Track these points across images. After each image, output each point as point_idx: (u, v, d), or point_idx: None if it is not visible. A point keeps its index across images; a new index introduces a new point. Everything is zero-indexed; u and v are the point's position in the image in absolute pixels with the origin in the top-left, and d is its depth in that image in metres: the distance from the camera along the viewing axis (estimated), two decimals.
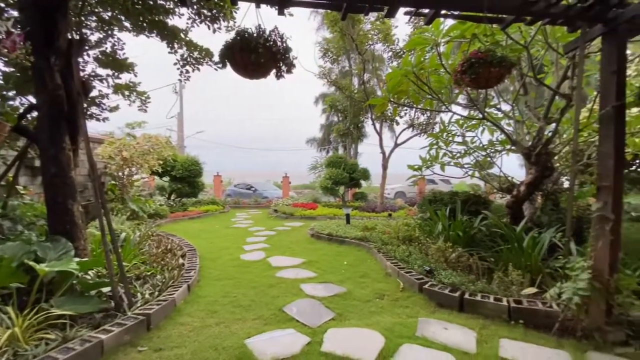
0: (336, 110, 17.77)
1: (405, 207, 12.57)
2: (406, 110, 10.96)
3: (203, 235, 8.14)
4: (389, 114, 11.35)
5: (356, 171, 13.60)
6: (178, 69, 5.91)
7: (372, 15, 10.58)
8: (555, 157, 4.80)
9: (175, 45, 5.74)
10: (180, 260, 5.12)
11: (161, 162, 10.07)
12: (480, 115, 4.98)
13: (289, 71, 2.35)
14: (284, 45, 2.29)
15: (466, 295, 3.52)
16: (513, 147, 4.99)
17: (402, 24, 25.77)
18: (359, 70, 12.67)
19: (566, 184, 5.74)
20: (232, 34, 2.28)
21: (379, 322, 3.25)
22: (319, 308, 3.66)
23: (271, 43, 2.19)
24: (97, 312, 3.06)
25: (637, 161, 5.80)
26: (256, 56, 2.11)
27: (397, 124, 12.57)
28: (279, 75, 2.39)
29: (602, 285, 2.86)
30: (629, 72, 5.25)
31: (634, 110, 5.12)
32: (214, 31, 5.38)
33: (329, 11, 10.20)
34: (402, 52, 10.59)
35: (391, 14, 2.87)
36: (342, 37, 11.61)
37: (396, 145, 12.59)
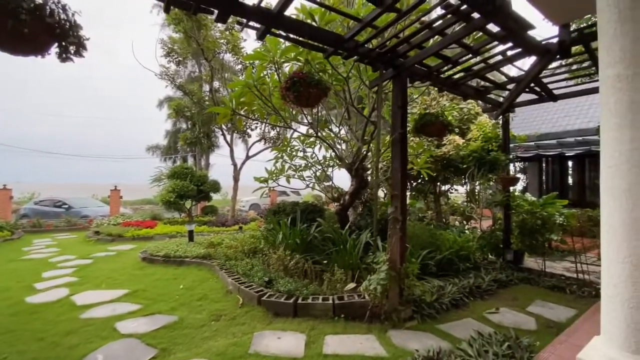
0: (184, 117, 16.26)
1: (257, 219, 12.63)
2: (257, 123, 11.15)
3: None
4: (238, 125, 11.23)
5: (206, 183, 12.70)
6: None
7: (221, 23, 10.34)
8: (369, 172, 5.87)
9: None
10: None
11: None
12: (316, 134, 5.54)
13: (78, 53, 1.85)
14: (71, 20, 1.79)
15: (300, 300, 3.71)
16: (340, 163, 5.78)
17: (251, 40, 26.41)
18: (207, 77, 12.07)
19: (380, 193, 7.12)
20: None
21: (210, 348, 2.97)
22: (136, 348, 3.02)
23: (46, 13, 1.66)
24: None
25: (421, 176, 7.85)
26: (17, 23, 1.54)
27: (249, 136, 12.61)
28: (64, 57, 1.84)
29: (396, 273, 3.59)
30: (415, 110, 7.11)
31: (417, 139, 6.95)
32: None
33: (172, 8, 9.26)
34: (248, 64, 10.75)
35: (221, 19, 2.77)
36: (188, 39, 10.80)
37: (248, 157, 12.59)
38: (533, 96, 5.65)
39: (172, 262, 6.19)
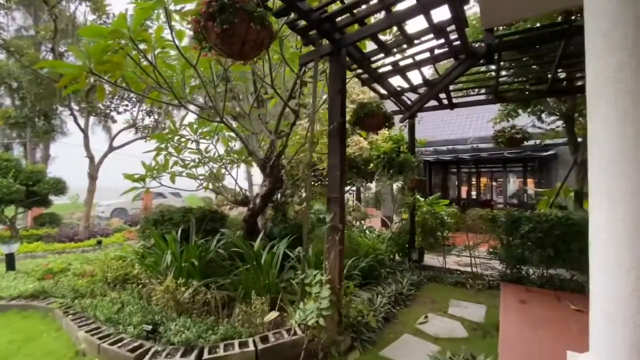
0: (7, 88, 11.60)
1: (124, 229, 9.94)
2: (126, 105, 8.66)
3: None
4: (100, 106, 8.49)
5: (42, 182, 9.16)
6: None
7: None
8: (284, 170, 5.05)
9: None
10: None
11: None
12: (218, 120, 4.33)
13: None
14: None
15: (206, 354, 2.56)
16: (250, 158, 4.74)
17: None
18: (47, 32, 8.63)
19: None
20: None
21: None
22: None
23: None
24: None
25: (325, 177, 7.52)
26: None
27: (114, 121, 9.77)
28: None
29: (335, 295, 2.89)
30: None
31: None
32: None
33: None
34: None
35: None
36: None
37: (112, 148, 9.75)
38: (435, 103, 5.97)
39: None
